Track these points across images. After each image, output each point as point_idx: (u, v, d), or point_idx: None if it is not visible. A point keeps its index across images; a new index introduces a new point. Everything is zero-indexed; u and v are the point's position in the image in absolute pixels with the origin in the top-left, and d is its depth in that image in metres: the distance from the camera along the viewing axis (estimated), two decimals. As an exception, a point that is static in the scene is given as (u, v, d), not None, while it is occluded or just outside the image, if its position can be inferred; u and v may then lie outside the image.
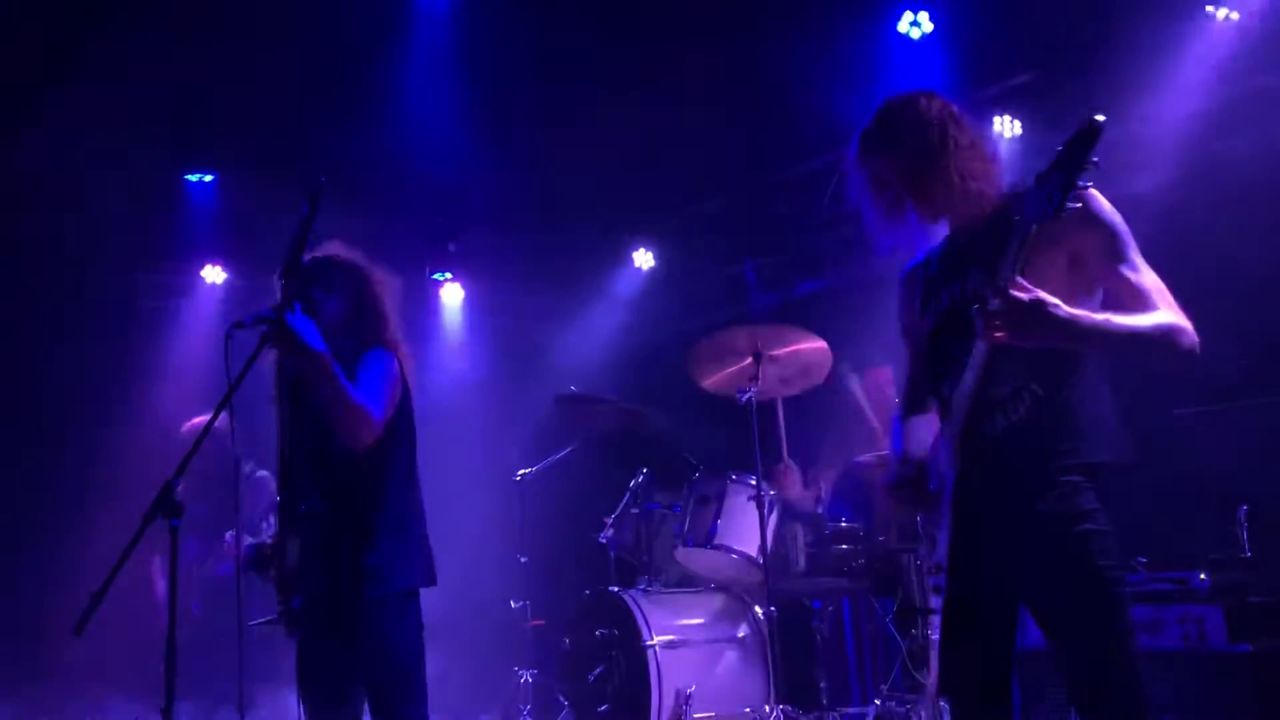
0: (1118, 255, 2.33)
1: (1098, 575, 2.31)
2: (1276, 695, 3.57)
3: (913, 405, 2.71)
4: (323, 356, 2.84)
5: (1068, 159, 2.07)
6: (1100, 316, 2.22)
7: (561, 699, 5.48)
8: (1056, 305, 2.14)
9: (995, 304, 2.14)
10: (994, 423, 2.38)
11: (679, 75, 5.79)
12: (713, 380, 5.18)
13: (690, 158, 6.41)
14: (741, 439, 4.93)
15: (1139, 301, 2.27)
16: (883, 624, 4.96)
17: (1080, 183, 2.06)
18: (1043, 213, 2.10)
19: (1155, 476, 4.83)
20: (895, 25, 5.59)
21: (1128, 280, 2.30)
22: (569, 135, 6.29)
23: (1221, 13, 4.80)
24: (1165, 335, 2.24)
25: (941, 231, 2.65)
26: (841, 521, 4.95)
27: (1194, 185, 4.93)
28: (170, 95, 5.70)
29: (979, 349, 2.26)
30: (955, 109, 2.54)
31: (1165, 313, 2.25)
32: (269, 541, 3.07)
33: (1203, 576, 3.84)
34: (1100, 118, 2.05)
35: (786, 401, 5.35)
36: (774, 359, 5.01)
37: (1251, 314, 4.68)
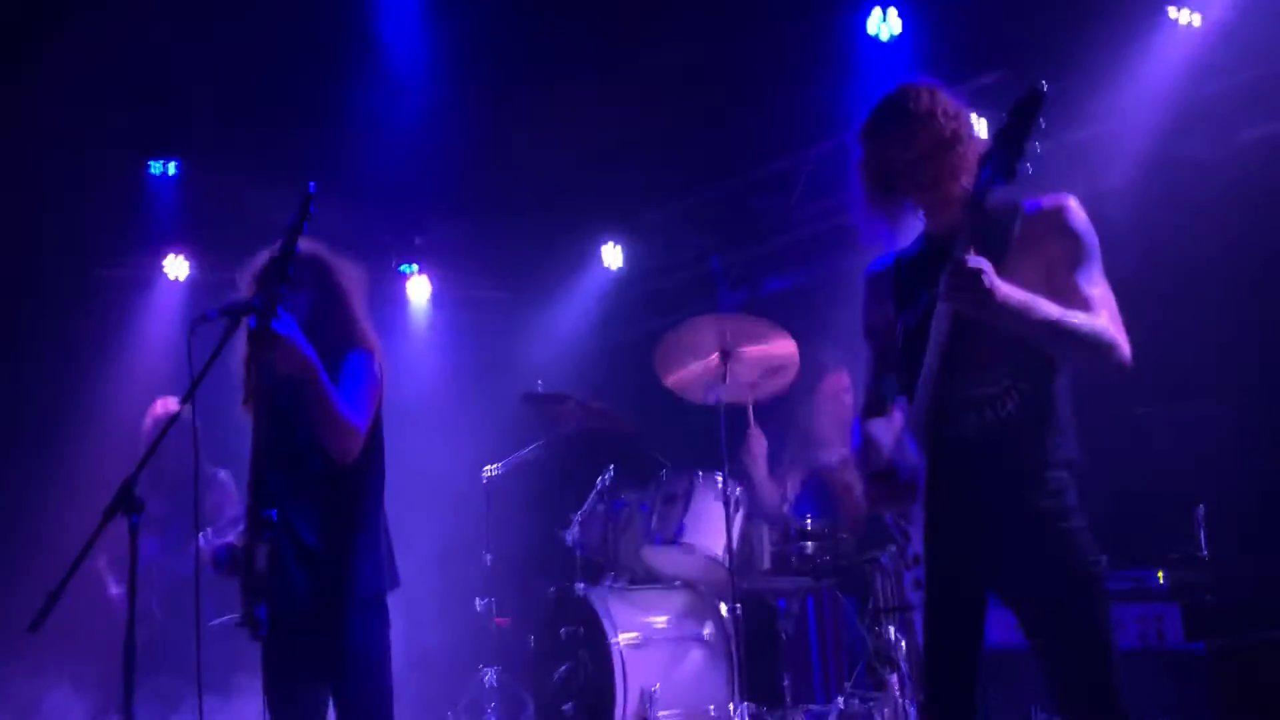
0: (1078, 264, 2.41)
1: (1087, 573, 2.36)
2: (1232, 693, 3.62)
3: (875, 405, 2.74)
4: (313, 366, 2.82)
5: (1016, 124, 2.19)
6: (1044, 306, 2.28)
7: (526, 697, 5.46)
8: (998, 282, 2.22)
9: (950, 269, 2.22)
10: (983, 419, 2.41)
11: (648, 73, 5.78)
12: (678, 378, 5.14)
13: (659, 156, 6.41)
14: (709, 437, 4.93)
15: (1084, 307, 2.35)
16: (847, 623, 4.99)
17: (1028, 145, 2.18)
18: (994, 177, 2.21)
19: (1115, 476, 4.88)
20: (864, 24, 5.61)
21: (1079, 287, 2.38)
22: (537, 131, 6.27)
23: (1184, 15, 4.86)
24: (1099, 340, 2.33)
25: (912, 232, 2.67)
26: (807, 521, 4.97)
27: (1154, 187, 4.99)
28: (132, 82, 5.61)
29: (938, 330, 2.33)
30: (964, 108, 2.57)
31: (1105, 321, 2.34)
32: (238, 543, 3.03)
33: (1161, 576, 3.89)
34: (1043, 84, 2.19)
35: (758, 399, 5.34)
36: (742, 357, 4.99)
37: (1210, 315, 4.75)
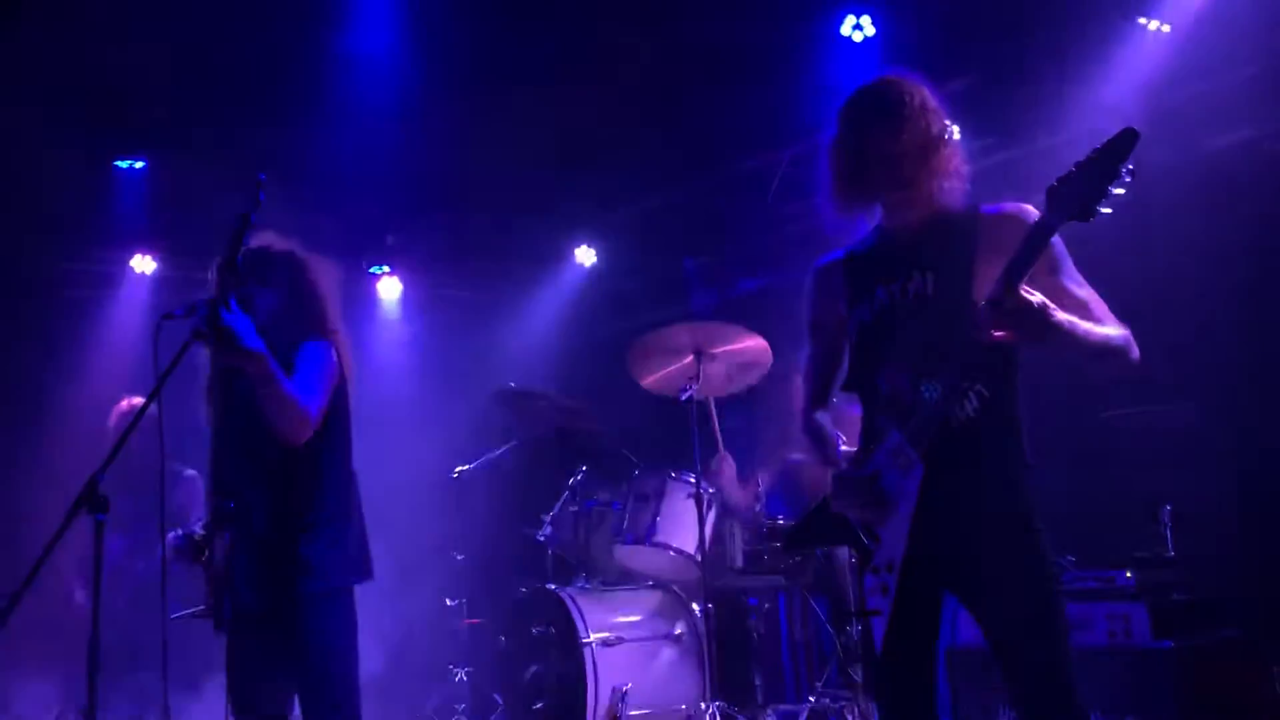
0: (1058, 268, 2.41)
1: (1046, 574, 2.38)
2: (1197, 690, 3.67)
3: (820, 399, 2.74)
4: (260, 354, 2.78)
5: (1102, 166, 2.10)
6: (1083, 325, 2.28)
7: (497, 697, 5.44)
8: (1055, 310, 2.20)
9: (1009, 304, 2.16)
10: (949, 421, 2.39)
11: (621, 72, 5.78)
12: (653, 379, 5.17)
13: (632, 156, 6.41)
14: (681, 437, 4.93)
15: (1086, 312, 2.34)
16: (818, 622, 5.01)
17: (1112, 190, 2.10)
18: (1076, 215, 2.12)
19: (1083, 476, 4.95)
20: (838, 28, 5.64)
21: (1071, 292, 2.38)
22: (509, 130, 6.25)
23: (1153, 24, 4.91)
24: (1126, 346, 2.36)
25: (862, 227, 2.66)
26: (779, 519, 4.99)
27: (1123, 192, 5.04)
28: (99, 79, 5.54)
29: (966, 349, 2.28)
30: (944, 110, 2.54)
31: (1120, 327, 2.37)
32: (199, 532, 3.00)
33: (1129, 575, 3.93)
34: (1135, 129, 2.09)
35: (726, 399, 5.36)
36: (714, 356, 5.02)
37: (1174, 319, 4.81)
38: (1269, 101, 4.80)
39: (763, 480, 5.22)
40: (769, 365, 5.06)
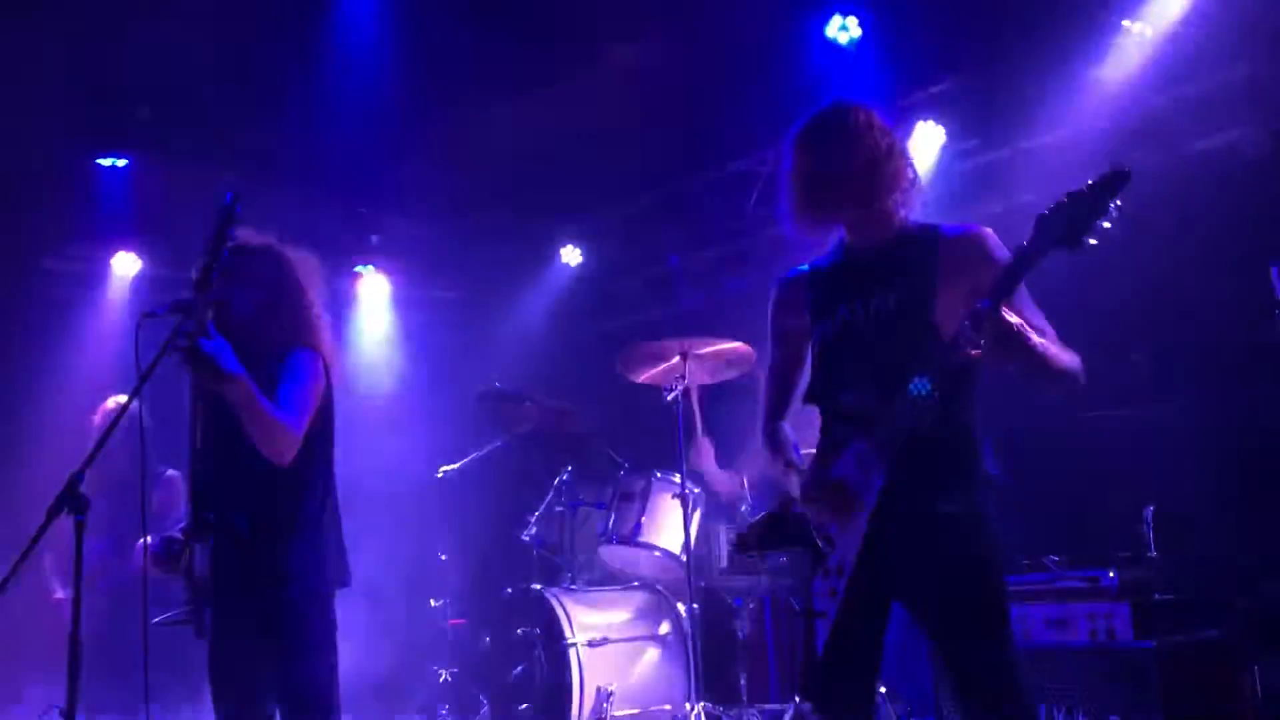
0: (1021, 295, 2.46)
1: (996, 581, 2.45)
2: (1181, 690, 3.69)
3: (781, 409, 2.79)
4: (241, 380, 2.76)
5: (1092, 200, 2.19)
6: (1051, 349, 2.38)
7: (481, 698, 5.44)
8: (1031, 332, 2.30)
9: (991, 324, 2.24)
10: (910, 435, 2.42)
11: (608, 72, 5.78)
12: (642, 378, 5.18)
13: (619, 155, 6.40)
14: (666, 437, 4.93)
15: (1044, 337, 2.42)
16: (803, 622, 5.01)
17: (1103, 223, 2.19)
18: (1062, 243, 2.21)
19: (1067, 477, 4.97)
20: (823, 29, 5.65)
21: (1028, 319, 2.44)
22: (496, 130, 6.24)
23: (1136, 26, 4.94)
24: (1078, 371, 2.45)
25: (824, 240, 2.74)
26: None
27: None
28: (82, 77, 5.51)
29: (940, 366, 2.33)
30: (895, 129, 2.64)
31: (1073, 354, 2.46)
32: (179, 537, 2.98)
33: (1112, 575, 3.95)
34: (1127, 168, 2.18)
35: (714, 398, 5.37)
36: (700, 356, 5.02)
37: (1157, 321, 4.84)
38: (1251, 104, 4.83)
39: (747, 474, 5.23)
40: (753, 363, 5.08)
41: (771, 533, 2.76)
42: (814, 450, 2.66)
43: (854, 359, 2.56)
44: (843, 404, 2.58)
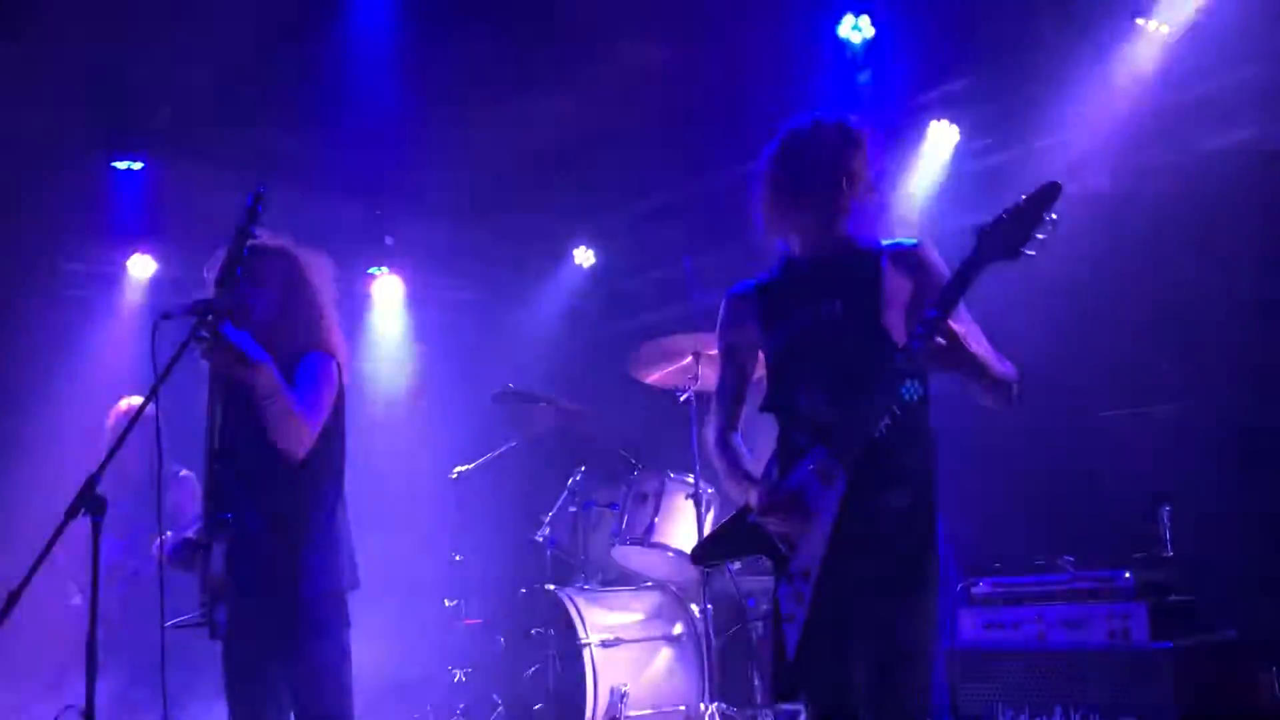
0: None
1: (927, 599, 2.48)
2: (1196, 691, 3.66)
3: (733, 421, 2.87)
4: (266, 366, 2.81)
5: (1028, 213, 2.28)
6: (987, 360, 2.45)
7: (496, 698, 5.44)
8: (970, 341, 2.39)
9: (938, 335, 2.33)
10: (865, 440, 2.48)
11: (621, 73, 5.78)
12: (654, 378, 5.18)
13: (631, 156, 6.40)
14: (680, 437, 4.93)
15: (981, 344, 2.51)
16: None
17: (1039, 235, 2.28)
18: (1002, 255, 2.30)
19: (1082, 477, 4.95)
20: (835, 29, 5.64)
21: (966, 324, 2.53)
22: (510, 131, 6.25)
23: (1151, 24, 4.91)
24: (1014, 383, 2.52)
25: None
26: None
27: (1121, 193, 5.05)
28: (98, 80, 5.54)
29: (890, 373, 2.41)
30: (868, 142, 2.71)
31: (1006, 363, 2.54)
32: (194, 537, 3.00)
33: (1128, 575, 3.93)
34: (1060, 183, 2.29)
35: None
36: (713, 358, 5.02)
37: (1175, 319, 4.81)
38: (1267, 102, 4.80)
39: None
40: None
41: (728, 541, 2.80)
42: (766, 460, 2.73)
43: (808, 366, 2.63)
44: (799, 411, 2.64)
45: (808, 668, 2.48)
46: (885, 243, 2.70)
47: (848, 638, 2.49)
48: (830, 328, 2.62)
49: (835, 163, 2.66)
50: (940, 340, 2.33)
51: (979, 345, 2.49)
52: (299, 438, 2.92)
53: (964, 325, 2.49)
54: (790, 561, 2.55)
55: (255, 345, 2.80)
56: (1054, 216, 2.26)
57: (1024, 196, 2.30)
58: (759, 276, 2.87)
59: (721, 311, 2.92)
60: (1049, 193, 2.28)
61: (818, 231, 2.70)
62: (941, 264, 2.61)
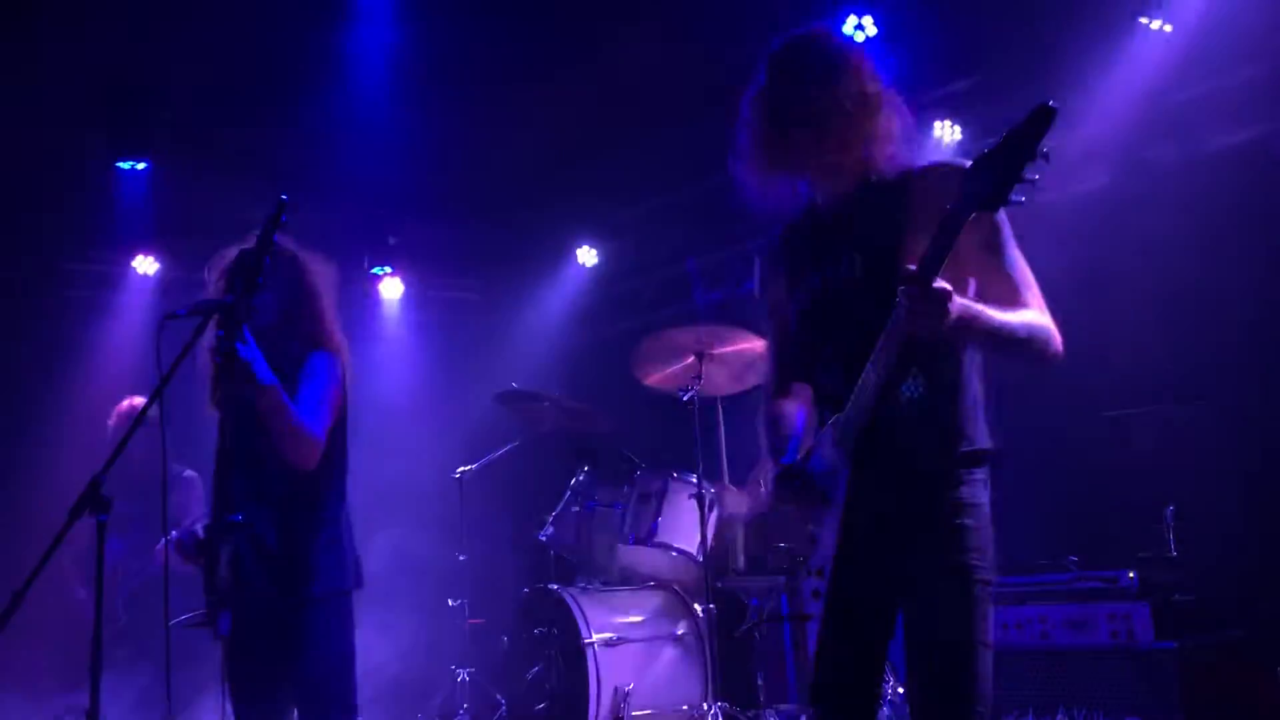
0: (995, 248, 2.19)
1: (964, 572, 2.16)
2: (1200, 691, 3.66)
3: (779, 390, 2.53)
4: (273, 387, 2.83)
5: (1017, 146, 1.84)
6: (988, 313, 2.07)
7: (499, 698, 5.44)
8: (956, 300, 1.98)
9: (916, 293, 1.93)
10: (879, 416, 2.16)
11: (624, 72, 5.78)
12: (656, 378, 5.17)
13: (634, 155, 6.41)
14: (683, 437, 4.93)
15: (1012, 295, 2.15)
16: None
17: (1028, 174, 1.84)
18: (986, 202, 1.88)
19: (1087, 476, 4.94)
20: (839, 29, 5.63)
21: (1004, 274, 2.18)
22: (512, 131, 6.25)
23: (1155, 23, 4.91)
24: (1035, 336, 2.14)
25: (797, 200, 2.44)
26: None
27: (1125, 191, 5.05)
28: (103, 81, 5.55)
29: (890, 340, 2.05)
30: (866, 52, 2.32)
31: (1038, 314, 2.16)
32: (200, 534, 3.00)
33: (1132, 575, 3.93)
34: (1052, 103, 1.84)
35: (730, 400, 5.36)
36: (716, 357, 5.01)
37: (1180, 318, 4.80)
38: (1273, 101, 4.79)
39: (765, 482, 5.22)
40: None
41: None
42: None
43: (825, 334, 2.31)
44: (819, 387, 2.35)
45: (823, 673, 2.25)
46: (919, 168, 2.25)
47: (865, 641, 2.24)
48: (847, 287, 2.25)
49: (840, 76, 2.23)
50: (929, 307, 1.93)
51: (1008, 294, 2.13)
52: (307, 452, 2.94)
53: (1000, 265, 2.16)
54: (812, 555, 2.32)
55: (266, 368, 2.81)
56: (1046, 151, 1.83)
57: (1010, 128, 1.85)
58: (788, 221, 2.47)
59: (756, 267, 2.57)
60: (1040, 118, 1.82)
61: (836, 171, 2.28)
62: (999, 214, 2.15)
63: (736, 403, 5.40)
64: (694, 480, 4.90)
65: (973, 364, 2.27)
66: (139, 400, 5.06)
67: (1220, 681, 3.78)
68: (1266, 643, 3.96)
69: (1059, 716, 3.82)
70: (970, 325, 2.03)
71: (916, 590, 2.18)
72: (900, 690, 4.42)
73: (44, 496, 4.74)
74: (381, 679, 5.28)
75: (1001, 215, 2.16)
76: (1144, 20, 4.93)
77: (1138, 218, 4.89)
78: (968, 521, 2.19)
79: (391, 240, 7.50)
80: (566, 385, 6.36)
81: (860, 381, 2.15)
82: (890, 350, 2.06)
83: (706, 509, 4.83)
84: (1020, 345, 2.13)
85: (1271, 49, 4.69)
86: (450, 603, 5.90)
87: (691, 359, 4.99)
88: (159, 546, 4.67)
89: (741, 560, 5.11)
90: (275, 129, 5.86)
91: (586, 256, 7.67)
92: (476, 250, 7.67)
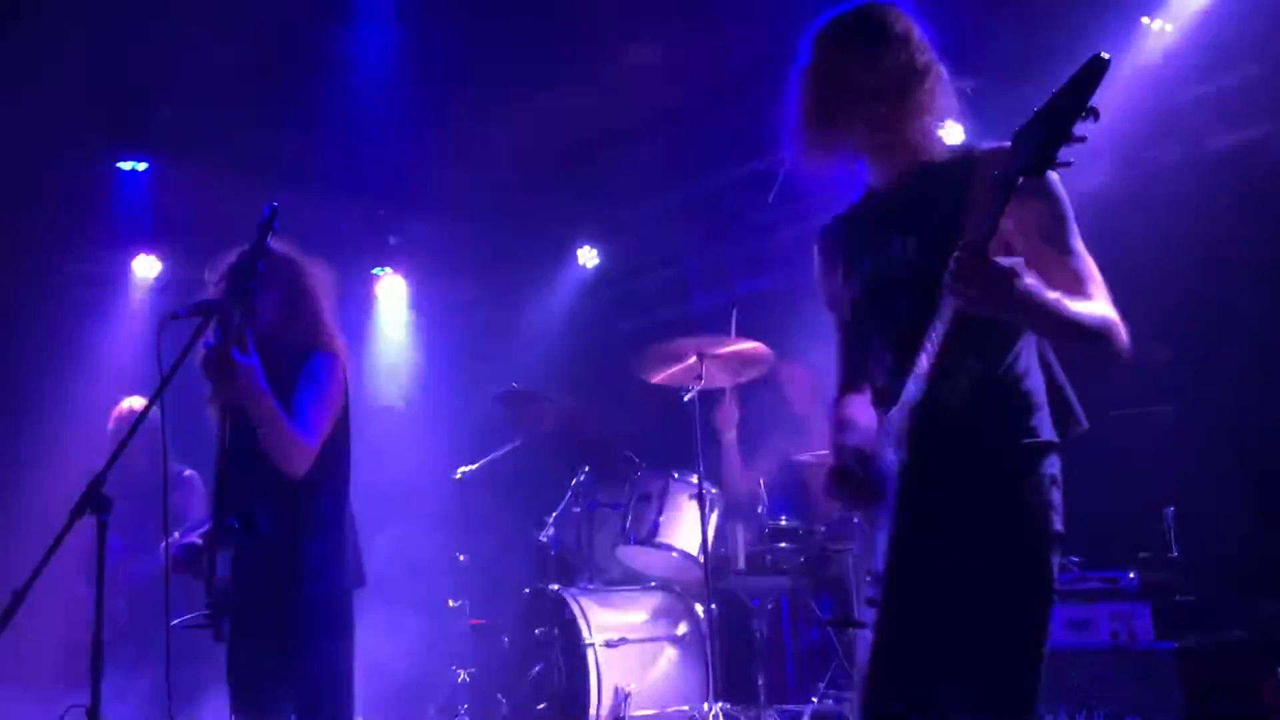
0: (1059, 236, 2.09)
1: (1023, 579, 2.05)
2: (1200, 691, 3.66)
3: (848, 383, 2.40)
4: (265, 398, 2.83)
5: (1065, 104, 1.75)
6: (1053, 296, 1.95)
7: (500, 698, 5.44)
8: (1024, 276, 1.89)
9: (969, 263, 1.85)
10: (931, 407, 2.06)
11: (624, 73, 5.78)
12: (659, 378, 5.18)
13: (634, 156, 6.41)
14: (684, 437, 4.93)
15: (1078, 287, 2.04)
16: (821, 622, 5.01)
17: (1076, 132, 1.76)
18: (1034, 165, 1.79)
19: (1087, 477, 4.93)
20: None
21: (1067, 264, 2.07)
22: (513, 131, 6.25)
23: (1156, 24, 4.91)
24: (1106, 330, 2.05)
25: (854, 184, 2.36)
26: (781, 520, 4.99)
27: (1126, 192, 5.04)
28: (102, 80, 5.55)
29: (937, 327, 1.97)
30: (916, 22, 2.26)
31: (1106, 306, 2.07)
32: (199, 543, 3.01)
33: (1132, 575, 3.93)
34: (1105, 54, 1.75)
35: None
36: (716, 357, 5.02)
37: (1181, 319, 4.81)
38: (1273, 101, 4.79)
39: (764, 477, 5.23)
40: (770, 361, 5.06)
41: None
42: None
43: (878, 323, 2.20)
44: (872, 378, 2.24)
45: (881, 684, 2.11)
46: (984, 149, 2.13)
47: (920, 654, 2.09)
48: (901, 272, 2.12)
49: (913, 62, 2.15)
50: (976, 280, 1.83)
51: (1071, 283, 2.02)
52: (298, 462, 2.93)
53: (1059, 253, 2.05)
54: (871, 558, 2.18)
55: (261, 376, 2.81)
56: (1095, 107, 1.74)
57: (1060, 86, 1.76)
58: (846, 206, 2.37)
59: (815, 257, 2.42)
60: (1092, 70, 1.73)
61: (891, 150, 2.19)
62: (1059, 190, 2.09)
63: (740, 398, 5.41)
64: (695, 480, 4.90)
65: (1034, 351, 2.17)
66: (138, 401, 5.07)
67: (1220, 681, 3.78)
68: (1266, 643, 3.95)
69: (1059, 716, 3.82)
70: (1034, 307, 1.92)
71: (971, 596, 2.04)
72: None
73: (44, 496, 4.75)
74: (382, 679, 5.28)
75: (1065, 206, 2.09)
76: (1145, 20, 4.93)
77: (1138, 218, 4.89)
78: (1029, 522, 2.07)
79: (391, 240, 7.50)
80: (567, 385, 6.36)
81: (913, 371, 2.05)
82: (944, 333, 1.96)
83: (707, 509, 4.84)
84: (1090, 336, 2.03)
85: (1271, 49, 4.69)
86: (451, 603, 5.90)
87: (693, 359, 4.99)
88: (160, 546, 4.68)
89: (742, 560, 5.11)
90: (276, 129, 5.86)
91: (587, 256, 7.67)
92: (477, 250, 7.67)
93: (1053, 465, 2.15)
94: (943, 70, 2.22)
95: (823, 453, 4.79)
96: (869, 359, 2.25)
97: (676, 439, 5.21)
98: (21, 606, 2.29)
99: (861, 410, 2.33)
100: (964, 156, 2.15)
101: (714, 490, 5.06)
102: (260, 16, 5.14)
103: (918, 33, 2.22)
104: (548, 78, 5.81)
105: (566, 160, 6.46)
